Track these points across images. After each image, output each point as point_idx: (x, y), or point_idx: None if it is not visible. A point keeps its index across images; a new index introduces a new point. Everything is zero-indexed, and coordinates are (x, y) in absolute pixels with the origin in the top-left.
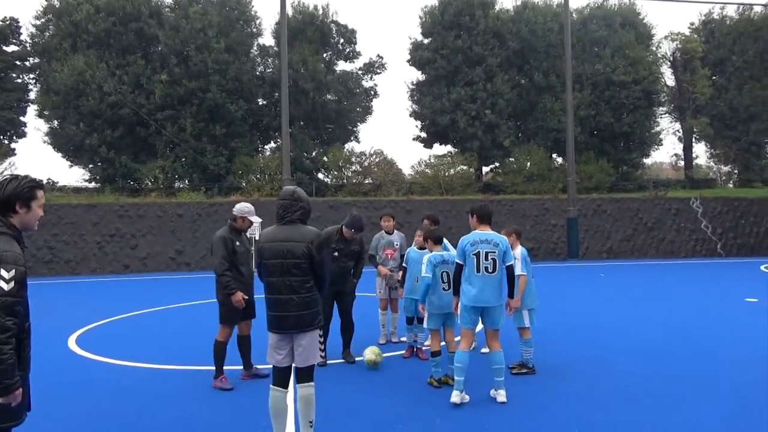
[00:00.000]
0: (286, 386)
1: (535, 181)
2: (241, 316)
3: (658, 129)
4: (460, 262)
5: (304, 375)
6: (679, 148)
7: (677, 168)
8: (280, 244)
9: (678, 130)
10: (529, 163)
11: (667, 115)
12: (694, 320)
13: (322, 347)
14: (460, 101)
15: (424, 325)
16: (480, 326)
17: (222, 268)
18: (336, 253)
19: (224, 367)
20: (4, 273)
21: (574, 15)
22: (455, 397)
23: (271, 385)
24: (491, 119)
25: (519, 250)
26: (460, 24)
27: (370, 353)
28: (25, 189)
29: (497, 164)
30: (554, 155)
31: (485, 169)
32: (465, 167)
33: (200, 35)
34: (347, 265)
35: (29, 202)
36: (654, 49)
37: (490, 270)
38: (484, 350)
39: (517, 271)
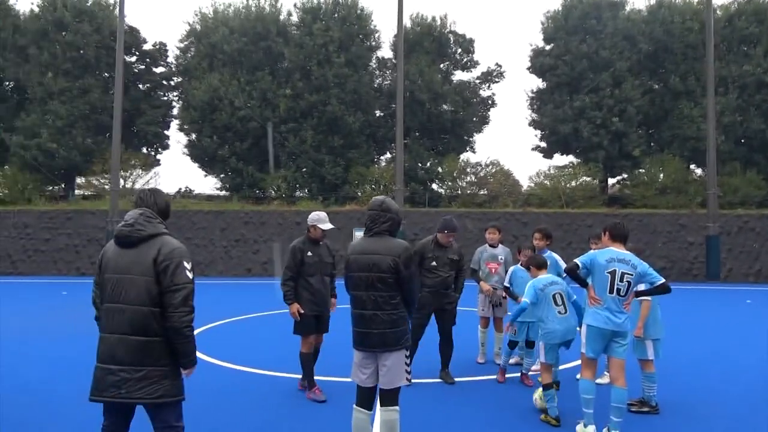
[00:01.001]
0: (370, 408)
1: (668, 194)
2: (316, 327)
3: None
4: (578, 262)
5: (389, 398)
6: None
7: None
8: (367, 257)
9: None
10: (662, 175)
11: None
12: None
13: (409, 369)
14: (584, 109)
15: (541, 358)
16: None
17: (284, 278)
18: (434, 263)
19: (315, 378)
20: (187, 264)
21: (718, 11)
22: (591, 430)
23: (354, 405)
24: (619, 127)
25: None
26: (586, 27)
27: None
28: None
29: (625, 176)
30: (692, 166)
31: (611, 180)
32: (588, 178)
33: (322, 51)
34: (446, 276)
35: None
36: None
37: (623, 293)
38: (601, 381)
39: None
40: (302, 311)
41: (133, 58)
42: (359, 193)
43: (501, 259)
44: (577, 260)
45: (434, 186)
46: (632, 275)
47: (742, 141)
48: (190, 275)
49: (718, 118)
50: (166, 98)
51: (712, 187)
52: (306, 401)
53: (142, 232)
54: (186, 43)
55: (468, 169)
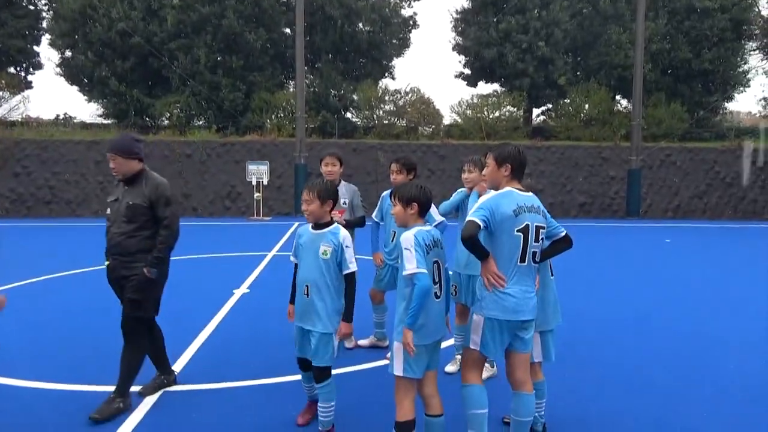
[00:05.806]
0: None
1: (593, 125)
2: None
3: (746, 67)
4: (478, 221)
5: None
6: None
7: (766, 115)
8: None
9: None
10: (587, 105)
11: (757, 51)
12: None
13: None
14: (510, 32)
15: (397, 371)
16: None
17: None
18: (108, 211)
19: None
20: None
21: None
22: None
23: None
24: (545, 53)
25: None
26: None
27: None
28: None
29: (550, 106)
30: (618, 96)
31: (536, 111)
32: (513, 108)
33: None
34: (122, 231)
35: None
36: None
37: (537, 258)
38: (451, 368)
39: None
40: None
41: None
42: (267, 122)
43: (344, 203)
44: (473, 217)
45: (348, 115)
46: (545, 229)
47: (669, 71)
48: None
49: (646, 45)
50: (33, 7)
51: (636, 118)
52: None
53: None
54: None
55: (386, 97)
